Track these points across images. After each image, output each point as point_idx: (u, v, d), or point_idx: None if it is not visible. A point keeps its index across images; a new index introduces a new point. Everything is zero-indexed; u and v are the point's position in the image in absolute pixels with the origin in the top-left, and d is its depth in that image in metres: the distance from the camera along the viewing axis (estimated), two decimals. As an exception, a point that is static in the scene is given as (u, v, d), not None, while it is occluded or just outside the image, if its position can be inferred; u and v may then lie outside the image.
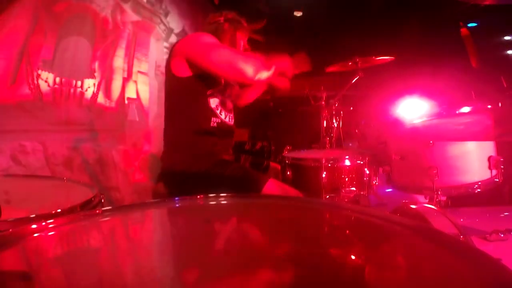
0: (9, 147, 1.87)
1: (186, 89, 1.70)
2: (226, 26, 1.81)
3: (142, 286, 0.47)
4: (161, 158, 1.79)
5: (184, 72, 1.67)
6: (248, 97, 2.08)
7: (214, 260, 0.55)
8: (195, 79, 1.68)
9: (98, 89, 2.51)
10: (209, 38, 1.67)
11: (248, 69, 1.53)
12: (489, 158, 1.49)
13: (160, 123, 1.83)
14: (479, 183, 1.49)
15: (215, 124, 1.76)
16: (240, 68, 1.53)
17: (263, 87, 2.05)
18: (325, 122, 2.64)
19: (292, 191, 1.64)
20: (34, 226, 0.63)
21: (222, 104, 1.81)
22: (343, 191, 1.68)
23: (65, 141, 2.22)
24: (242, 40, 1.87)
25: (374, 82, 3.03)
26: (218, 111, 1.77)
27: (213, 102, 1.76)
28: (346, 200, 1.68)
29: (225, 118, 1.81)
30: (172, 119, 1.78)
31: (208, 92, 1.74)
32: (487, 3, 1.30)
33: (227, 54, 1.59)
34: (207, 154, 1.71)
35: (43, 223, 0.64)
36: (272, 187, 1.57)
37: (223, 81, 1.82)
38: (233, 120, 1.90)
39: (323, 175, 1.66)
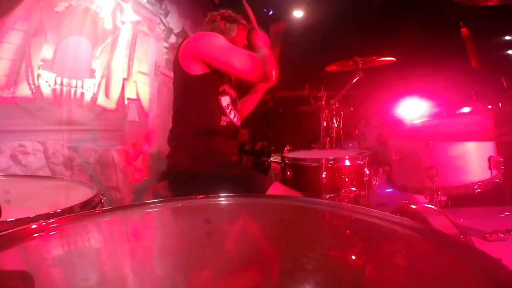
0: (9, 147, 1.87)
1: (199, 87, 1.71)
2: (222, 24, 1.84)
3: (142, 286, 0.47)
4: (167, 156, 1.78)
5: (198, 69, 1.68)
6: (250, 105, 2.14)
7: (214, 260, 0.55)
8: (209, 75, 1.69)
9: (98, 89, 2.51)
10: (221, 39, 1.70)
11: (261, 67, 1.63)
12: (489, 158, 1.49)
13: (160, 123, 1.83)
14: (479, 183, 1.49)
15: (225, 123, 1.76)
16: (257, 67, 1.63)
17: (262, 90, 2.10)
18: (325, 122, 2.63)
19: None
20: (34, 226, 0.63)
21: (233, 103, 1.82)
22: (343, 191, 1.67)
23: (65, 141, 2.22)
24: (241, 36, 1.88)
25: (374, 82, 3.03)
26: (228, 110, 1.78)
27: (224, 100, 1.76)
28: (346, 200, 1.68)
29: (233, 118, 1.81)
30: (181, 118, 1.78)
31: (220, 89, 1.75)
32: (487, 3, 1.30)
33: (244, 55, 1.65)
34: (214, 155, 1.71)
35: (43, 223, 0.64)
36: (276, 190, 1.57)
37: (233, 78, 1.85)
38: (239, 121, 1.91)
39: (323, 175, 1.66)
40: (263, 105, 4.50)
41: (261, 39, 1.84)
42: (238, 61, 1.62)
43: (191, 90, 1.73)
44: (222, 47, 1.66)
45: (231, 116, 1.80)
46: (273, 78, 1.71)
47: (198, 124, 1.72)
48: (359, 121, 2.19)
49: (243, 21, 1.89)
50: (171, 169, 1.73)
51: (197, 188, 1.58)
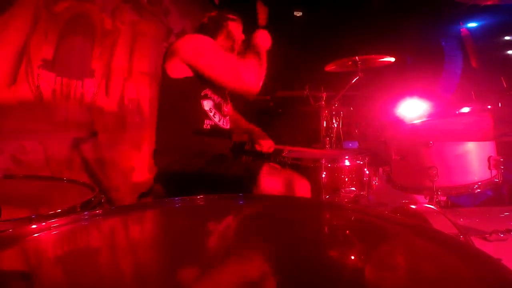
0: (9, 147, 1.87)
1: (180, 90, 1.69)
2: (212, 26, 1.82)
3: (142, 286, 0.47)
4: (154, 158, 1.77)
5: (179, 73, 1.66)
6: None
7: (213, 260, 0.55)
8: (190, 80, 1.66)
9: (98, 89, 2.51)
10: (208, 42, 1.67)
11: (252, 78, 1.62)
12: (489, 158, 1.49)
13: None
14: (479, 183, 1.49)
15: (209, 126, 1.74)
16: (242, 77, 1.61)
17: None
18: (325, 122, 2.63)
19: (288, 173, 1.60)
20: (34, 226, 0.63)
21: (217, 107, 1.79)
22: (343, 191, 1.68)
23: (65, 141, 2.22)
24: (235, 33, 1.86)
25: (374, 82, 3.03)
26: (211, 114, 1.75)
27: (207, 104, 1.73)
28: (346, 200, 1.68)
29: (219, 121, 1.78)
30: (165, 120, 1.77)
31: (202, 94, 1.72)
32: (487, 3, 1.30)
33: (230, 61, 1.63)
34: (200, 154, 1.69)
35: (43, 223, 0.64)
36: (268, 171, 1.54)
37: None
38: (228, 124, 1.87)
39: (323, 175, 1.66)
40: (263, 105, 4.51)
41: (262, 38, 1.77)
42: (219, 63, 1.62)
43: (172, 93, 1.72)
44: (207, 48, 1.65)
45: (216, 119, 1.77)
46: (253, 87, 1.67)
47: (181, 126, 1.71)
48: (359, 121, 2.19)
49: (232, 16, 1.87)
50: (161, 171, 1.72)
51: (189, 188, 1.58)
